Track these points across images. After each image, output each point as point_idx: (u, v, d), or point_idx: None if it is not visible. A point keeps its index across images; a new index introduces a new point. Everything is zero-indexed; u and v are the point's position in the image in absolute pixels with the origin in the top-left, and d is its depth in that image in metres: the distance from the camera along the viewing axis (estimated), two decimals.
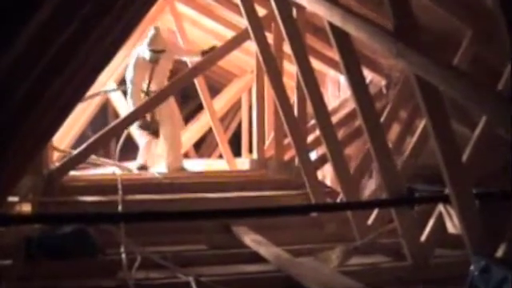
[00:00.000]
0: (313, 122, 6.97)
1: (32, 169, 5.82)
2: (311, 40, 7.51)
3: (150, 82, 8.19)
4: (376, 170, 6.32)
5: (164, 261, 4.86)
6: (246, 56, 9.48)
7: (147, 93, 8.19)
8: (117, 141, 9.01)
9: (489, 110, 3.82)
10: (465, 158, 4.39)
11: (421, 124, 5.43)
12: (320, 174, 7.62)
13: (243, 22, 7.27)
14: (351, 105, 7.13)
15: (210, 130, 10.08)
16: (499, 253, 4.06)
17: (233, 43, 7.89)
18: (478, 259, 3.96)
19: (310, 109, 6.15)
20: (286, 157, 7.72)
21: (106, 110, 12.62)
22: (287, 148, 7.54)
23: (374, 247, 5.21)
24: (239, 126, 11.87)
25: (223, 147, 9.26)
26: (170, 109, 8.49)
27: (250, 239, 5.45)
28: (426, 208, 4.99)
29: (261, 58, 6.72)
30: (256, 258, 5.13)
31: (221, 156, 10.21)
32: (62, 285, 4.62)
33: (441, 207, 4.64)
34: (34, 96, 3.35)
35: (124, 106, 9.14)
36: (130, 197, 6.33)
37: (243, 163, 8.91)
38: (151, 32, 8.02)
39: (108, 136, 7.71)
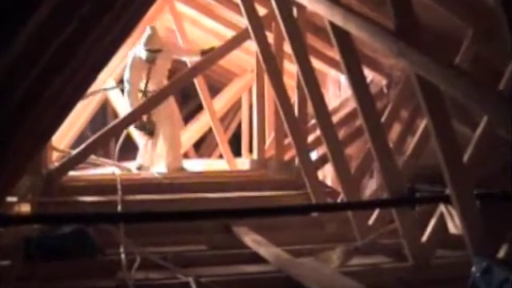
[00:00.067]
0: (313, 121, 6.96)
1: (31, 169, 5.80)
2: (312, 39, 7.49)
3: (147, 82, 8.17)
4: (377, 170, 6.30)
5: (164, 261, 4.85)
6: (247, 55, 9.47)
7: (145, 93, 8.17)
8: (116, 141, 8.98)
9: (490, 109, 3.81)
10: (466, 158, 4.38)
11: (422, 124, 5.42)
12: (321, 174, 7.61)
13: (243, 22, 7.26)
14: (352, 104, 7.12)
15: (210, 129, 10.07)
16: (501, 254, 4.05)
17: (233, 43, 7.88)
18: (480, 260, 3.96)
19: (310, 108, 6.13)
20: (287, 157, 7.71)
21: (105, 110, 12.62)
22: (287, 148, 7.53)
23: (375, 247, 5.20)
24: (239, 125, 11.85)
25: (223, 147, 9.24)
26: (169, 109, 8.48)
27: (251, 239, 5.44)
28: (427, 208, 4.97)
29: (261, 58, 6.71)
30: (256, 258, 5.11)
31: (221, 156, 10.20)
32: (61, 285, 4.61)
33: (442, 207, 4.63)
34: (33, 96, 3.35)
35: (123, 106, 9.11)
36: (130, 197, 6.32)
37: (243, 163, 8.90)
38: (147, 32, 8.00)
39: (107, 136, 7.69)
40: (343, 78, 7.89)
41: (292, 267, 4.63)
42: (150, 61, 8.07)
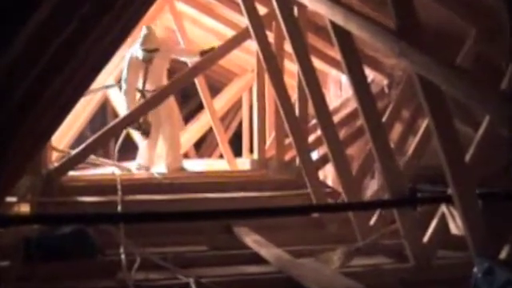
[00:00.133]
0: (314, 121, 6.94)
1: (31, 169, 5.79)
2: (312, 39, 7.48)
3: (144, 82, 8.15)
4: (378, 171, 6.28)
5: (164, 262, 4.83)
6: (247, 55, 9.45)
7: (142, 92, 8.15)
8: (116, 141, 8.96)
9: (491, 109, 3.81)
10: (468, 157, 4.36)
11: (423, 124, 5.40)
12: (321, 175, 7.59)
13: (244, 21, 7.24)
14: (353, 104, 7.11)
15: (211, 129, 10.06)
16: (503, 254, 4.03)
17: (233, 42, 7.87)
18: (482, 261, 3.94)
19: (311, 108, 6.11)
20: (287, 157, 7.70)
21: (105, 110, 12.61)
22: (288, 148, 7.51)
23: (376, 248, 5.19)
24: (240, 125, 11.84)
25: (224, 147, 9.23)
26: (169, 108, 8.46)
27: (251, 240, 5.43)
28: (429, 209, 4.96)
29: (262, 57, 6.69)
30: (257, 259, 5.10)
31: (221, 156, 10.19)
32: (61, 286, 4.61)
33: (443, 208, 4.61)
34: (33, 96, 3.34)
35: (123, 106, 9.09)
36: (130, 197, 6.31)
37: (244, 163, 8.89)
38: (143, 31, 7.98)
39: (107, 136, 7.68)
40: (344, 78, 7.88)
41: (293, 268, 4.62)
42: (147, 60, 8.05)
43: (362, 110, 4.74)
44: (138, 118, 7.88)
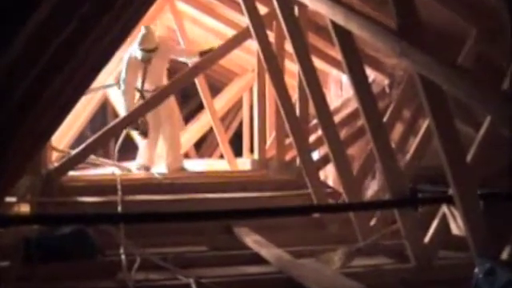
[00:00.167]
0: (315, 121, 6.93)
1: (30, 169, 5.78)
2: (313, 39, 7.47)
3: (143, 82, 8.14)
4: (379, 171, 6.27)
5: (164, 262, 4.82)
6: (247, 55, 9.44)
7: (141, 92, 8.14)
8: (116, 141, 8.95)
9: (492, 109, 3.80)
10: (469, 158, 4.35)
11: (424, 124, 5.39)
12: (322, 175, 7.58)
13: (244, 21, 7.23)
14: (354, 104, 7.09)
15: (211, 129, 10.04)
16: (504, 255, 4.02)
17: (234, 42, 7.85)
18: (483, 261, 3.93)
19: (311, 108, 6.10)
20: (288, 157, 7.68)
21: (105, 110, 12.59)
22: (289, 148, 7.50)
23: (377, 248, 5.17)
24: (240, 125, 11.83)
25: (224, 147, 9.22)
26: (169, 108, 8.45)
27: (252, 240, 5.42)
28: (430, 209, 4.95)
29: (262, 57, 6.68)
30: (257, 259, 5.09)
31: (222, 156, 10.18)
32: (60, 286, 4.60)
33: (445, 208, 4.60)
34: (33, 96, 3.34)
35: (122, 106, 9.07)
36: (130, 197, 6.29)
37: (244, 163, 8.88)
38: (142, 31, 7.96)
39: (107, 136, 7.67)
40: (345, 78, 7.87)
41: (293, 268, 4.61)
42: (146, 60, 8.04)
43: (362, 110, 4.72)
44: (139, 117, 7.87)
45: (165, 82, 8.43)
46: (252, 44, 7.61)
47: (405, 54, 3.98)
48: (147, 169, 8.20)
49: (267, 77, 7.04)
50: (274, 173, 7.51)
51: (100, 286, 4.60)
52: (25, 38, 2.48)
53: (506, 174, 4.68)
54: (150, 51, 7.98)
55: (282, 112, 6.34)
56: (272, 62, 6.58)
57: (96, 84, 8.14)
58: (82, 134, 10.24)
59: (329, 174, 8.23)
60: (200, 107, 10.69)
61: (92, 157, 7.91)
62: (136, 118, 7.83)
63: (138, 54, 7.99)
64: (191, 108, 13.35)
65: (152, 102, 7.73)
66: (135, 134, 8.79)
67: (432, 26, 5.17)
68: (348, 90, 7.82)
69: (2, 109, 2.97)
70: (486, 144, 4.45)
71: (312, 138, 7.45)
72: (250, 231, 5.67)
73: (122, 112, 8.28)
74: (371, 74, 7.07)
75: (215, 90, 10.91)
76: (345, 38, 4.70)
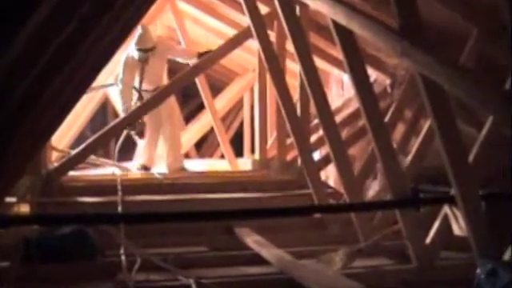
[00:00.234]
0: (316, 121, 6.92)
1: (30, 169, 5.77)
2: (314, 38, 7.45)
3: (141, 81, 8.12)
4: (380, 171, 6.26)
5: (164, 263, 4.81)
6: (248, 54, 9.43)
7: (139, 92, 8.12)
8: (116, 141, 8.93)
9: (494, 109, 3.78)
10: (471, 158, 4.33)
11: (426, 124, 5.38)
12: (323, 175, 7.56)
13: (245, 20, 7.22)
14: (355, 104, 7.08)
15: (212, 129, 10.03)
16: (506, 256, 4.00)
17: (235, 41, 7.84)
18: (485, 262, 3.92)
19: (313, 108, 6.08)
20: (289, 157, 7.67)
21: (105, 110, 12.57)
22: (290, 148, 7.49)
23: (378, 249, 5.16)
24: (241, 125, 11.81)
25: (225, 147, 9.20)
26: (170, 108, 8.43)
27: (252, 241, 5.41)
28: (432, 209, 4.93)
29: (263, 57, 6.67)
30: (258, 259, 5.08)
31: (222, 156, 10.16)
32: (60, 287, 4.58)
33: (446, 208, 4.58)
34: (33, 96, 3.33)
35: (120, 105, 9.05)
36: (130, 197, 6.28)
37: (245, 163, 8.87)
38: (138, 31, 7.93)
39: (107, 136, 7.65)
40: (346, 78, 7.85)
41: (294, 269, 4.60)
42: (143, 60, 8.02)
43: (364, 110, 4.71)
44: (139, 118, 7.85)
45: (165, 81, 8.41)
46: (253, 44, 7.59)
47: (406, 54, 3.97)
48: (147, 169, 8.18)
49: (268, 76, 7.03)
50: (275, 173, 7.50)
51: (100, 286, 4.58)
52: (25, 38, 2.48)
53: (508, 174, 4.68)
54: (146, 51, 7.96)
55: (283, 112, 6.33)
56: (273, 62, 6.57)
57: (96, 84, 8.12)
58: (82, 134, 10.22)
59: (330, 175, 8.21)
60: (201, 107, 10.68)
61: (92, 157, 7.89)
62: (137, 118, 7.81)
63: (135, 54, 7.98)
64: (192, 108, 13.34)
65: (152, 102, 7.71)
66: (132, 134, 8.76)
67: (434, 25, 5.16)
68: (349, 90, 7.81)
69: (2, 109, 2.97)
70: (488, 144, 4.43)
71: (313, 138, 7.43)
72: (251, 231, 5.65)
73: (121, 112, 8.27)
74: (373, 73, 7.06)
75: (216, 89, 10.90)
76: (346, 38, 4.69)
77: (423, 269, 4.69)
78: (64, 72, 3.62)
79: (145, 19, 7.30)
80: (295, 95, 7.09)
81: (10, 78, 2.74)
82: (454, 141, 4.03)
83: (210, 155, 13.04)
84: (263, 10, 7.06)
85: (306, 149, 6.30)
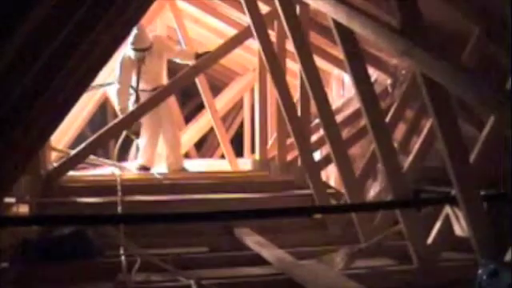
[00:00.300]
0: (316, 121, 6.90)
1: (30, 169, 5.74)
2: (315, 38, 7.44)
3: (138, 81, 8.11)
4: (381, 171, 6.24)
5: (164, 263, 4.79)
6: (249, 54, 9.42)
7: (137, 92, 8.11)
8: (116, 141, 8.91)
9: (496, 109, 3.74)
10: (472, 158, 4.31)
11: (427, 124, 5.36)
12: (324, 175, 7.55)
13: (245, 20, 7.20)
14: (356, 104, 7.06)
15: (212, 129, 10.01)
16: (508, 256, 3.99)
17: (235, 41, 7.82)
18: (486, 263, 3.91)
19: (313, 108, 6.07)
20: (289, 157, 7.65)
21: (105, 110, 12.56)
22: (290, 148, 7.47)
23: (379, 250, 5.14)
24: (241, 125, 11.80)
25: (225, 147, 9.19)
26: (169, 108, 8.42)
27: (253, 241, 5.39)
28: (433, 210, 4.91)
29: (263, 56, 6.64)
30: (258, 260, 5.07)
31: (222, 156, 10.14)
32: None
33: (448, 209, 4.57)
34: (32, 95, 3.32)
35: (116, 105, 9.03)
36: (130, 198, 6.25)
37: (245, 163, 8.85)
38: (134, 31, 7.91)
39: (107, 136, 7.63)
40: (347, 77, 7.84)
41: (295, 269, 4.59)
42: (140, 60, 8.01)
43: (365, 110, 4.70)
44: (138, 118, 7.83)
45: (165, 81, 8.39)
46: (253, 43, 7.58)
47: (407, 54, 3.95)
48: (147, 169, 8.16)
49: (268, 76, 7.01)
50: (276, 173, 7.48)
51: (100, 287, 4.57)
52: (24, 36, 2.47)
53: (509, 174, 4.66)
54: (142, 50, 7.95)
55: (284, 112, 6.30)
56: (273, 62, 6.55)
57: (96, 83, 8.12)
58: (81, 134, 10.20)
59: (330, 175, 8.20)
60: (201, 107, 10.65)
61: (92, 157, 7.87)
62: (136, 119, 7.79)
63: (131, 54, 7.97)
64: (192, 108, 13.33)
65: (152, 102, 7.69)
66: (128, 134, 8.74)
67: (435, 25, 5.15)
68: (350, 90, 7.81)
69: (2, 108, 2.96)
70: (490, 144, 4.42)
71: (314, 138, 7.42)
72: (251, 232, 5.64)
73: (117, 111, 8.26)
74: (373, 73, 7.05)
75: (216, 89, 10.89)
76: (347, 37, 4.68)
77: (424, 269, 4.68)
78: (64, 71, 3.61)
79: (144, 18, 7.29)
80: (296, 95, 7.07)
81: (10, 77, 2.74)
82: (456, 141, 4.02)
83: (210, 155, 13.02)
84: (263, 9, 7.05)
85: (306, 149, 6.27)
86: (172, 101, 8.65)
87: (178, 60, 8.51)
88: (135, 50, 7.92)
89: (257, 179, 7.42)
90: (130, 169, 8.29)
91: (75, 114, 9.44)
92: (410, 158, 5.55)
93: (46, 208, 5.89)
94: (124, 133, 8.31)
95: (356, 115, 7.37)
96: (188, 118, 11.62)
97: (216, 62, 8.56)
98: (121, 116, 7.83)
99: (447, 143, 4.00)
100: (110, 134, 7.71)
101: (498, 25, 4.99)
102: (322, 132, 6.36)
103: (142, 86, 8.13)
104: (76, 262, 4.88)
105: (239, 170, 8.71)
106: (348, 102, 8.00)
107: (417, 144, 5.58)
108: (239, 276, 4.79)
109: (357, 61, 4.72)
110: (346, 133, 7.40)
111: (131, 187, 6.60)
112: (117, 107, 8.18)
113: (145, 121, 8.17)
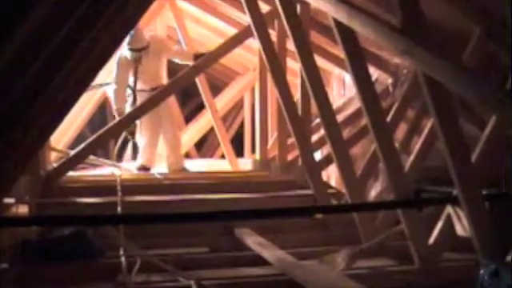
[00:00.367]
0: (317, 121, 6.88)
1: (29, 169, 5.73)
2: (315, 37, 7.43)
3: (135, 81, 8.10)
4: (382, 171, 6.23)
5: (164, 264, 4.78)
6: (249, 54, 9.41)
7: (134, 92, 8.10)
8: (115, 141, 8.91)
9: (497, 108, 3.74)
10: (474, 158, 4.30)
11: (428, 123, 5.35)
12: (325, 175, 7.54)
13: (246, 19, 7.19)
14: (357, 103, 7.04)
15: (212, 129, 10.00)
16: (509, 256, 3.98)
17: (235, 40, 7.81)
18: (488, 263, 3.91)
19: (314, 108, 6.06)
20: (290, 157, 7.65)
21: (104, 110, 12.54)
22: (291, 148, 7.47)
23: (381, 250, 5.12)
24: (242, 125, 11.80)
25: (225, 147, 9.18)
26: (169, 108, 8.41)
27: (253, 241, 5.37)
28: (435, 210, 4.90)
29: (264, 56, 6.63)
30: (259, 260, 5.05)
31: (223, 156, 10.14)
32: None
33: (449, 209, 4.55)
34: (32, 95, 3.31)
35: (113, 105, 9.02)
36: (130, 198, 6.24)
37: (246, 163, 8.84)
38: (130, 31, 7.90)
39: (107, 136, 7.62)
40: (348, 77, 7.83)
41: (296, 270, 4.57)
42: (136, 60, 8.00)
43: (365, 110, 4.69)
44: (138, 118, 7.82)
45: (164, 81, 8.38)
46: (253, 43, 7.57)
47: (408, 53, 3.95)
48: (147, 169, 8.16)
49: (269, 76, 7.00)
50: (276, 173, 7.47)
51: (100, 287, 4.56)
52: (24, 37, 2.46)
53: (511, 173, 4.65)
54: (138, 50, 7.94)
55: (284, 111, 6.29)
56: (274, 61, 6.53)
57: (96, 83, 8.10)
58: (81, 135, 10.19)
59: (331, 175, 8.19)
60: (201, 107, 10.65)
61: (91, 157, 7.86)
62: (136, 119, 7.79)
63: (127, 54, 7.96)
64: (192, 108, 13.32)
65: (152, 102, 7.68)
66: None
67: (436, 24, 5.14)
68: (351, 89, 7.79)
69: (2, 108, 2.96)
70: (491, 144, 4.41)
71: (314, 138, 7.41)
72: (252, 232, 5.62)
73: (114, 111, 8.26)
74: (374, 72, 7.04)
75: (216, 89, 10.88)
76: (348, 36, 4.67)
77: (426, 269, 4.67)
78: (63, 71, 3.61)
79: (144, 18, 7.27)
80: (296, 94, 7.06)
81: (10, 77, 2.73)
82: (457, 140, 4.01)
83: (211, 155, 13.02)
84: (264, 8, 7.04)
85: (307, 149, 6.26)
86: (172, 101, 8.64)
87: (177, 60, 8.50)
88: (131, 50, 7.92)
89: (257, 179, 7.41)
90: (130, 169, 8.28)
91: (75, 114, 9.42)
92: (412, 157, 5.55)
93: (46, 208, 5.88)
94: (124, 133, 8.31)
95: (357, 115, 7.36)
96: (188, 118, 11.61)
97: (216, 62, 8.55)
98: (117, 116, 7.83)
99: (448, 143, 4.00)
100: (110, 134, 7.70)
101: (498, 25, 4.98)
102: (322, 132, 6.35)
103: (140, 86, 8.13)
104: (76, 262, 4.86)
105: (240, 170, 8.71)
106: (349, 102, 7.99)
107: (418, 143, 5.57)
108: (240, 276, 4.77)
109: (357, 60, 4.71)
110: (346, 132, 7.39)
111: (131, 187, 6.59)
112: (113, 107, 8.17)
113: (144, 121, 8.16)
